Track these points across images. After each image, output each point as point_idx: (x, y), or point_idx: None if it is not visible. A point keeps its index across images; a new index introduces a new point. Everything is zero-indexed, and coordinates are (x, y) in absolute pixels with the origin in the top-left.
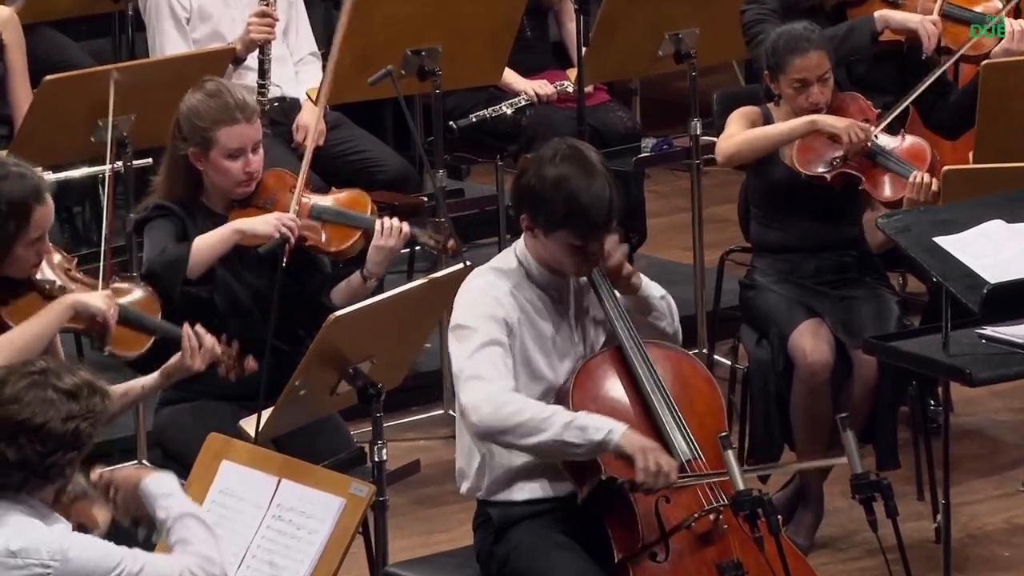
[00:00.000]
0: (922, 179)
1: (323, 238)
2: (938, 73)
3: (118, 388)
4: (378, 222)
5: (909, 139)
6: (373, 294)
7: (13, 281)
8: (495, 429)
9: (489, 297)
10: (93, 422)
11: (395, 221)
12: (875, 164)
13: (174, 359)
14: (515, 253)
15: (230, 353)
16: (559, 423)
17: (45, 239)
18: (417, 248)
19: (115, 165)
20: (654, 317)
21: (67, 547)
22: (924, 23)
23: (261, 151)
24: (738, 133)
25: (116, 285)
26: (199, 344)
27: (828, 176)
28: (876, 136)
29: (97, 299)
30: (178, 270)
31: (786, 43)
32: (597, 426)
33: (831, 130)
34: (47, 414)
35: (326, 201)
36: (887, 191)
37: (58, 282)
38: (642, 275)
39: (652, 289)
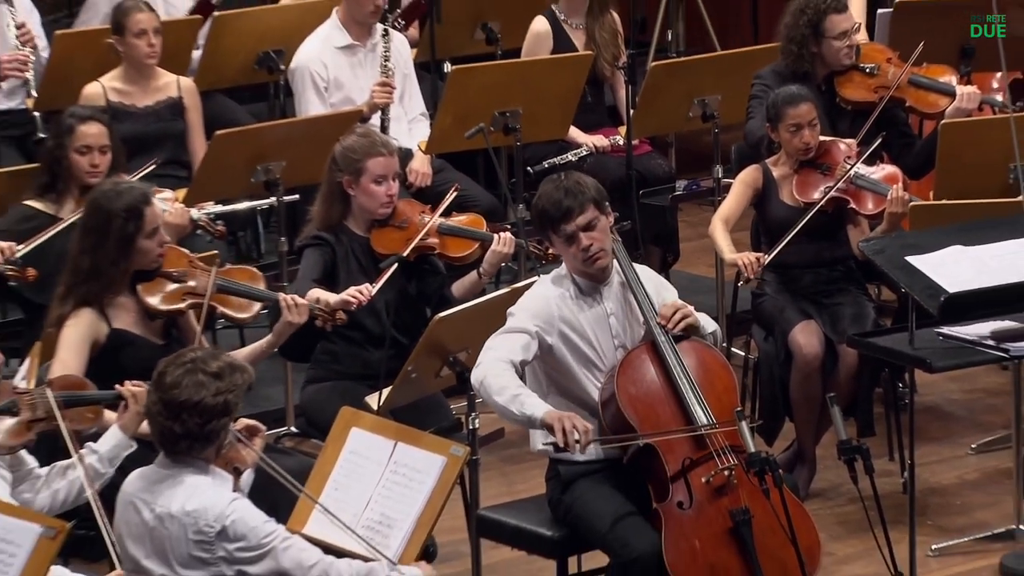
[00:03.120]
0: (899, 194)
1: (448, 248)
2: (876, 114)
3: (243, 351)
4: (496, 235)
5: (884, 167)
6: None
7: (147, 272)
8: (475, 384)
9: (541, 297)
10: (237, 393)
11: (508, 235)
12: (859, 187)
13: (280, 320)
14: (565, 268)
15: (324, 308)
16: (509, 395)
17: (160, 232)
18: (504, 264)
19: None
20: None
21: (229, 513)
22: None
23: (398, 181)
24: (722, 231)
25: (229, 267)
26: (295, 303)
27: (822, 200)
28: (859, 166)
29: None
30: None
31: (783, 98)
32: (530, 405)
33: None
34: (200, 393)
35: (451, 221)
36: (870, 206)
37: (181, 270)
38: (698, 316)
39: (706, 326)
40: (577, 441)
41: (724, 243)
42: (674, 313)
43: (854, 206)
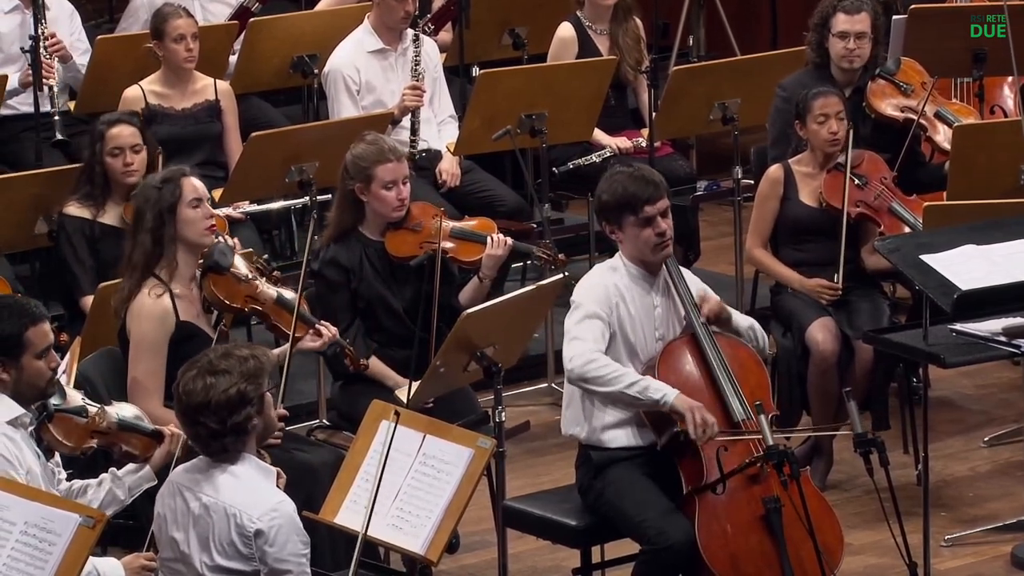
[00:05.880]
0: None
1: (460, 252)
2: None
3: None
4: (489, 237)
5: (914, 198)
6: (489, 295)
7: (219, 268)
8: (580, 377)
9: (600, 285)
10: (253, 379)
11: (501, 236)
12: (892, 214)
13: (306, 339)
14: (619, 258)
15: (351, 351)
16: (626, 381)
17: (205, 204)
18: (529, 262)
19: (303, 200)
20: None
21: (274, 517)
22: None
23: (409, 184)
24: (764, 255)
25: (277, 275)
26: (319, 333)
27: (852, 213)
28: (895, 201)
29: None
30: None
31: (811, 92)
32: (656, 388)
33: (812, 294)
34: (208, 394)
35: (462, 225)
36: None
37: (250, 274)
38: (732, 312)
39: (740, 322)
40: (704, 432)
41: (784, 271)
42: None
43: (883, 230)
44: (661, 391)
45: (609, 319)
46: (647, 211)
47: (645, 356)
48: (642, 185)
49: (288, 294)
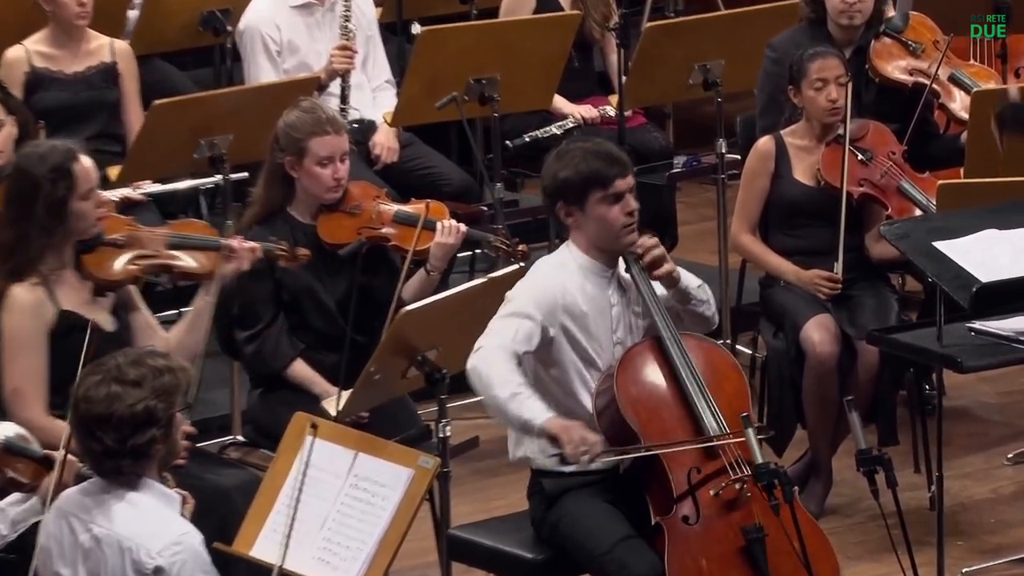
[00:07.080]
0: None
1: (405, 240)
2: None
3: (187, 317)
4: (439, 223)
5: (927, 175)
6: (437, 289)
7: (87, 244)
8: (472, 372)
9: (543, 283)
10: (165, 397)
11: (453, 222)
12: (900, 194)
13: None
14: (567, 250)
15: (282, 247)
16: (507, 391)
17: (97, 192)
18: (479, 251)
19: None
20: (694, 304)
21: (177, 551)
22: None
23: (348, 161)
24: (753, 242)
25: (182, 221)
26: (238, 248)
27: (855, 193)
28: (904, 180)
29: None
30: None
31: (807, 53)
32: (530, 407)
33: (809, 288)
34: (112, 406)
35: (408, 208)
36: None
37: (128, 233)
38: (679, 268)
39: (690, 279)
40: (585, 452)
41: (776, 260)
42: (651, 247)
43: (891, 212)
44: (533, 411)
45: (546, 323)
46: (619, 185)
47: (603, 363)
48: (608, 160)
49: (175, 232)
